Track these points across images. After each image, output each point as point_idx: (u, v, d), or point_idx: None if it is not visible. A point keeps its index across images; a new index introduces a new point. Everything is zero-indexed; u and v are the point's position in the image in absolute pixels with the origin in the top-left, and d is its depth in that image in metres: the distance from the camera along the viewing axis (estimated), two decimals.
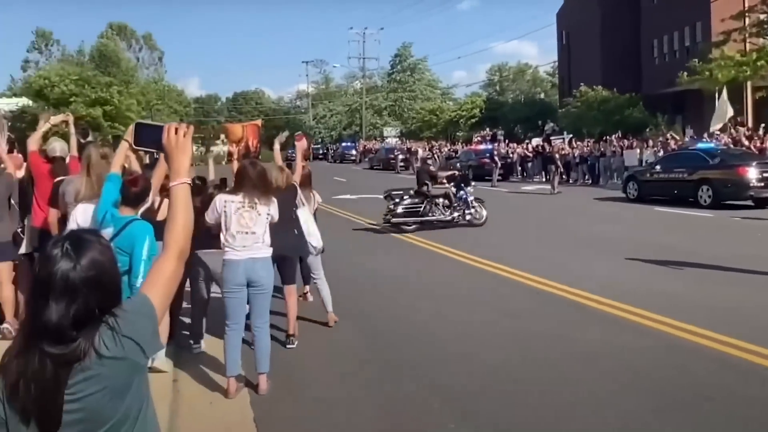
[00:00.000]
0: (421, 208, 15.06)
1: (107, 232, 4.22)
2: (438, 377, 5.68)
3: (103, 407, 1.69)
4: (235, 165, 6.32)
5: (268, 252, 5.47)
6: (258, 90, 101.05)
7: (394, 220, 14.89)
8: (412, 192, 15.30)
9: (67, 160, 6.78)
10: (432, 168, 16.35)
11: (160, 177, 4.32)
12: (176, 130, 2.07)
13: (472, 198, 15.77)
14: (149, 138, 2.15)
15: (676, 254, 10.82)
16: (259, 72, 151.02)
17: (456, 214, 15.40)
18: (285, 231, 6.30)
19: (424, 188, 15.31)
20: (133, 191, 4.41)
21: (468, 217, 15.49)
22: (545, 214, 18.37)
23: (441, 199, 15.39)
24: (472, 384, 5.50)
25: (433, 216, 15.21)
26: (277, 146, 7.14)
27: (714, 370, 5.62)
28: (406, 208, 14.99)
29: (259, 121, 8.91)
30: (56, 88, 42.68)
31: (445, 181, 15.77)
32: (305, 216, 7.06)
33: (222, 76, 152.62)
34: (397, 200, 15.03)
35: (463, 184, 15.92)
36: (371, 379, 5.70)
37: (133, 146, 2.25)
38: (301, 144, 7.16)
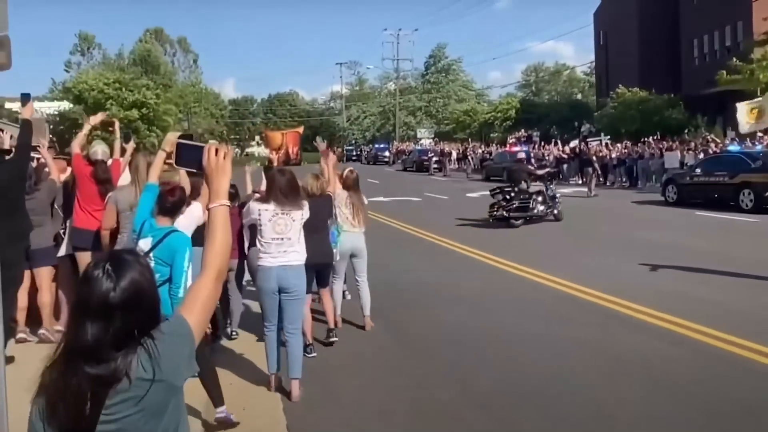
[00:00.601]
0: (530, 204, 16.20)
1: (145, 242, 4.30)
2: (472, 384, 5.68)
3: (140, 429, 1.72)
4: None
5: (301, 259, 5.58)
6: (292, 92, 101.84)
7: (513, 214, 15.88)
8: (516, 189, 16.22)
9: (109, 163, 6.96)
10: (531, 167, 17.77)
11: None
12: (216, 151, 2.09)
13: (558, 194, 17.20)
14: (190, 157, 2.18)
15: (716, 260, 10.62)
16: (294, 74, 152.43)
17: (548, 210, 16.61)
18: (322, 238, 6.51)
19: (523, 185, 16.33)
20: (170, 200, 4.46)
21: (555, 212, 16.72)
22: (582, 217, 18.13)
23: (535, 196, 16.47)
24: (506, 391, 5.48)
25: (534, 211, 16.31)
26: (327, 157, 7.08)
27: (750, 381, 5.52)
28: (520, 203, 16.01)
29: (300, 129, 8.99)
30: (93, 91, 43.60)
31: (535, 180, 16.84)
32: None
33: (257, 78, 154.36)
34: (507, 196, 15.92)
35: (548, 182, 17.28)
36: (404, 386, 5.72)
37: (174, 165, 2.29)
38: (332, 156, 7.20)
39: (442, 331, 7.37)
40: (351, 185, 7.47)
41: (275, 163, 7.39)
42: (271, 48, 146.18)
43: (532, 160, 31.59)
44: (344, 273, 7.66)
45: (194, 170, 2.25)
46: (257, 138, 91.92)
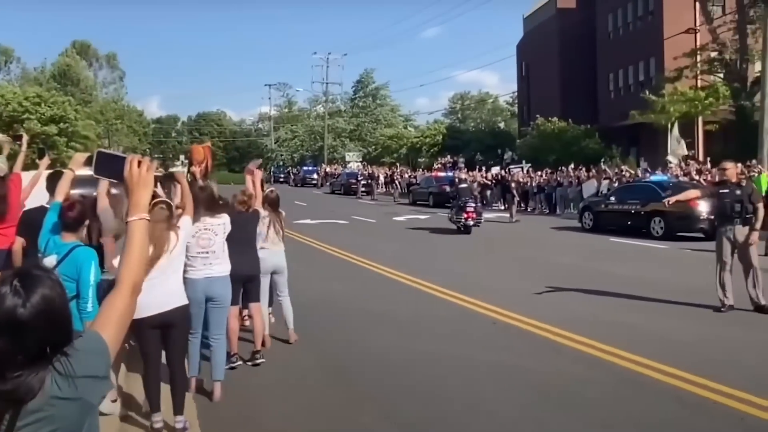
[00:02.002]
0: (481, 216, 20.76)
1: (50, 260, 4.24)
2: (395, 412, 5.65)
3: None
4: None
5: (226, 270, 5.93)
6: (220, 111, 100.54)
7: (480, 223, 20.37)
8: (477, 204, 21.08)
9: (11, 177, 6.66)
10: (474, 186, 24.48)
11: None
12: (139, 163, 2.05)
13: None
14: (110, 168, 2.11)
15: (629, 285, 11.02)
16: (222, 94, 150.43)
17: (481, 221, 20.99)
18: (248, 252, 6.80)
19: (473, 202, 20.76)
20: (70, 216, 4.39)
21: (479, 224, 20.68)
22: (503, 242, 18.61)
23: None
24: (428, 418, 5.50)
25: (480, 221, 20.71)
26: (253, 174, 7.37)
27: (662, 403, 5.72)
28: (481, 215, 20.59)
29: (209, 143, 9.21)
30: (10, 105, 41.88)
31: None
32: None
33: (183, 96, 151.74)
34: (473, 209, 20.02)
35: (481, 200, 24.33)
36: (327, 413, 5.65)
37: (93, 174, 2.21)
38: (258, 173, 7.36)
39: (366, 356, 7.36)
40: (271, 205, 7.62)
41: (198, 176, 7.38)
42: (199, 67, 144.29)
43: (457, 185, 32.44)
44: (268, 291, 7.71)
45: (113, 181, 2.19)
46: (182, 158, 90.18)
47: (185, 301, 5.02)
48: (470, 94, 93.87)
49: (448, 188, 31.99)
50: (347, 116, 78.73)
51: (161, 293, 4.70)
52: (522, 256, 15.50)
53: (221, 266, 5.87)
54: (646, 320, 8.74)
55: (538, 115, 41.80)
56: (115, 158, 2.12)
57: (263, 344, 7.15)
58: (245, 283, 6.80)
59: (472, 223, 19.86)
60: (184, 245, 5.03)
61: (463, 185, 21.81)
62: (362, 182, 44.26)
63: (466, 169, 35.62)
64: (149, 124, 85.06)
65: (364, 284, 11.91)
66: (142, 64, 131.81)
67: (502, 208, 30.60)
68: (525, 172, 33.10)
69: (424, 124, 74.47)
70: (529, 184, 30.85)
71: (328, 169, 60.22)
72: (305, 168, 65.63)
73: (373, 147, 67.96)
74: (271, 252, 7.51)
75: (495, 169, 37.41)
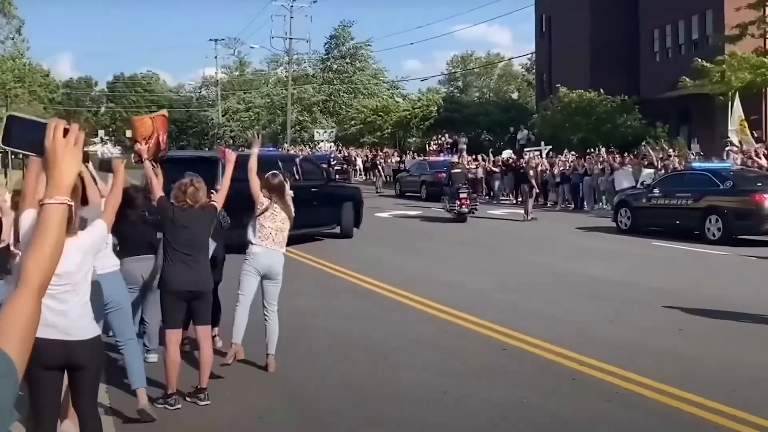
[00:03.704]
0: (476, 204, 24.41)
1: None
2: None
3: None
4: (148, 167, 6.97)
5: (112, 264, 6.31)
6: (150, 74, 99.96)
7: (476, 209, 23.90)
8: (472, 190, 25.26)
9: None
10: (478, 171, 28.91)
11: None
12: (65, 131, 2.01)
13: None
14: (25, 136, 2.07)
15: (678, 301, 11.03)
16: (153, 51, 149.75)
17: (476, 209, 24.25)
18: (197, 261, 6.75)
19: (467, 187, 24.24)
20: None
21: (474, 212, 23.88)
22: (514, 246, 18.67)
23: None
24: None
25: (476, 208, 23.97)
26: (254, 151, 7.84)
27: None
28: (476, 202, 24.29)
29: (164, 111, 9.11)
30: None
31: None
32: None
33: (103, 54, 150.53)
34: (468, 195, 23.59)
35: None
36: None
37: (2, 145, 2.16)
38: (231, 157, 7.43)
39: (336, 389, 7.37)
40: (274, 191, 7.67)
41: (145, 156, 7.37)
42: (123, 15, 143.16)
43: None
44: (251, 295, 7.77)
45: (29, 153, 2.16)
46: (101, 133, 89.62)
47: (95, 332, 4.86)
48: (474, 55, 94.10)
49: (446, 176, 31.95)
50: (317, 82, 78.51)
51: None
52: (538, 264, 15.51)
53: (104, 260, 6.06)
54: (701, 349, 8.75)
55: (559, 85, 41.85)
56: (33, 124, 2.09)
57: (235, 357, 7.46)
58: (191, 300, 6.80)
59: (466, 210, 23.09)
60: (86, 262, 4.79)
61: (457, 170, 25.00)
62: (336, 168, 44.08)
63: (465, 153, 35.69)
64: (58, 87, 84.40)
65: (338, 298, 11.92)
66: (49, 10, 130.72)
67: (514, 202, 30.65)
68: (544, 156, 33.13)
69: (415, 93, 74.48)
70: (548, 171, 30.86)
71: (292, 151, 60.15)
72: (262, 149, 65.39)
73: (351, 123, 67.83)
74: (267, 251, 7.66)
75: (506, 153, 37.43)
